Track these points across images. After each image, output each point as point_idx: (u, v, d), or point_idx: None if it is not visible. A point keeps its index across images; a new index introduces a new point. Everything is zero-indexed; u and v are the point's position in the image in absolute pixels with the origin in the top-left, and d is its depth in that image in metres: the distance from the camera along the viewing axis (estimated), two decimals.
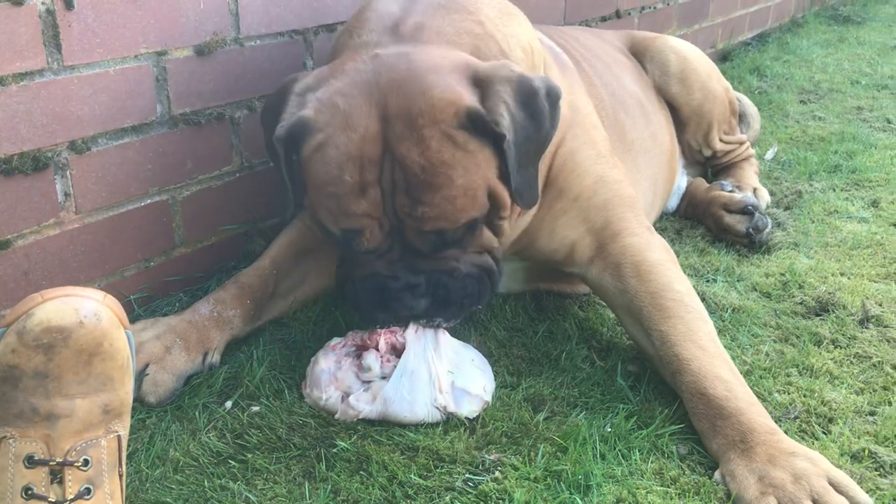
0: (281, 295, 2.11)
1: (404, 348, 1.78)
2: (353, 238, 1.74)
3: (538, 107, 1.75)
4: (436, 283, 1.78)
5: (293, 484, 1.59)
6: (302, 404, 1.81)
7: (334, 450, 1.66)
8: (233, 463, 1.64)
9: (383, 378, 1.76)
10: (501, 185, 1.76)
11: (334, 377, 1.78)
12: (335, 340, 1.88)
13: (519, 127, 1.72)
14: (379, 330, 1.82)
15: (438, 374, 1.74)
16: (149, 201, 2.10)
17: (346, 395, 1.75)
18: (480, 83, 1.72)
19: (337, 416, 1.75)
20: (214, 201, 2.25)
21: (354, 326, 2.07)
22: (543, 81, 1.78)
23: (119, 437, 1.33)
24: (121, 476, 1.33)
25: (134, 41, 1.96)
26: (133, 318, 2.04)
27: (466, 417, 1.73)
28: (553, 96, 1.79)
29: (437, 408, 1.72)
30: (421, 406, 1.72)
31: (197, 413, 1.79)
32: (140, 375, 1.81)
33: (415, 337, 1.80)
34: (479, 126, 1.68)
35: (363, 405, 1.73)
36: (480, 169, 1.71)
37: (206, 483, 1.59)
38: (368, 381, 1.77)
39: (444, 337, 1.83)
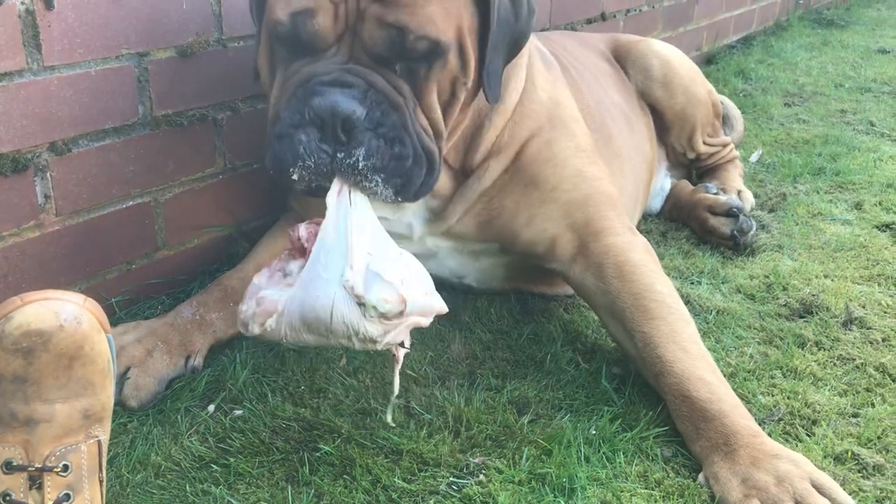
0: None
1: None
2: (301, 21, 1.58)
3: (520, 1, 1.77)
4: (375, 99, 1.59)
5: (276, 488, 1.57)
6: (285, 408, 1.80)
7: (318, 453, 1.65)
8: (215, 467, 1.63)
9: None
10: (470, 44, 1.69)
11: (258, 289, 1.56)
12: (275, 259, 1.64)
13: (503, 5, 1.71)
14: (300, 224, 1.61)
15: (353, 248, 1.51)
16: (130, 203, 2.08)
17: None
18: None
19: (248, 328, 1.54)
20: (197, 203, 2.23)
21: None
22: None
23: (99, 441, 1.31)
24: (101, 481, 1.31)
25: (115, 42, 1.94)
26: (115, 322, 2.02)
27: (375, 308, 1.47)
28: (531, 5, 1.81)
29: (345, 287, 1.47)
30: (333, 287, 1.48)
31: (179, 417, 1.78)
32: (121, 379, 1.79)
33: (336, 204, 1.57)
34: None
35: (271, 293, 1.51)
36: (457, 3, 1.65)
37: (187, 488, 1.57)
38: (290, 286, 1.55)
39: (371, 217, 1.61)
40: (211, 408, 1.81)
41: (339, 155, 1.58)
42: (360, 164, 1.58)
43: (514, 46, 1.82)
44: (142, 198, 2.10)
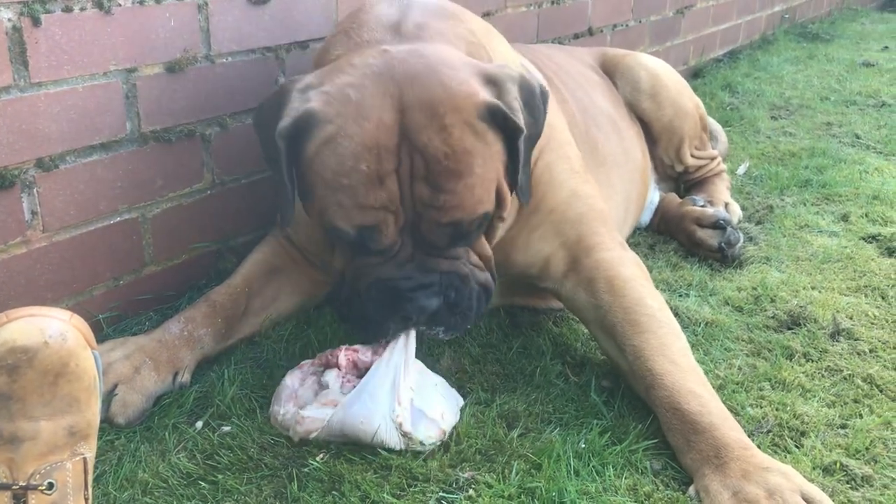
0: (253, 313, 2.09)
1: (366, 367, 1.75)
2: (368, 236, 1.70)
3: (536, 105, 1.82)
4: (447, 284, 1.77)
5: None
6: None
7: (306, 469, 1.64)
8: (203, 484, 1.62)
9: (343, 395, 1.72)
10: (505, 182, 1.78)
11: (295, 393, 1.76)
12: (306, 361, 1.86)
13: (525, 124, 1.76)
14: (341, 347, 1.80)
15: (400, 385, 1.70)
16: (118, 219, 2.07)
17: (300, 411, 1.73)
18: (491, 81, 1.75)
19: (289, 433, 1.71)
20: (185, 219, 2.23)
21: (328, 345, 2.06)
22: (537, 81, 1.86)
23: (85, 459, 1.30)
24: (87, 499, 1.30)
25: (103, 58, 1.94)
26: (102, 338, 2.01)
27: (421, 443, 1.68)
28: (544, 95, 1.87)
29: (394, 421, 1.66)
30: (378, 417, 1.66)
31: (167, 434, 1.76)
32: (108, 396, 1.78)
33: (392, 346, 1.77)
34: (498, 120, 1.71)
35: (314, 412, 1.69)
36: (495, 162, 1.73)
37: None
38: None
39: (412, 357, 1.80)
40: (199, 424, 1.80)
41: (422, 328, 1.81)
42: (440, 335, 1.84)
43: (537, 141, 1.89)
44: (129, 213, 2.09)
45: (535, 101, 1.82)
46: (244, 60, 2.27)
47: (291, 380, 1.79)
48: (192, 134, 2.19)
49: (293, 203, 1.77)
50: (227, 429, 1.78)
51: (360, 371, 1.77)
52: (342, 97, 1.68)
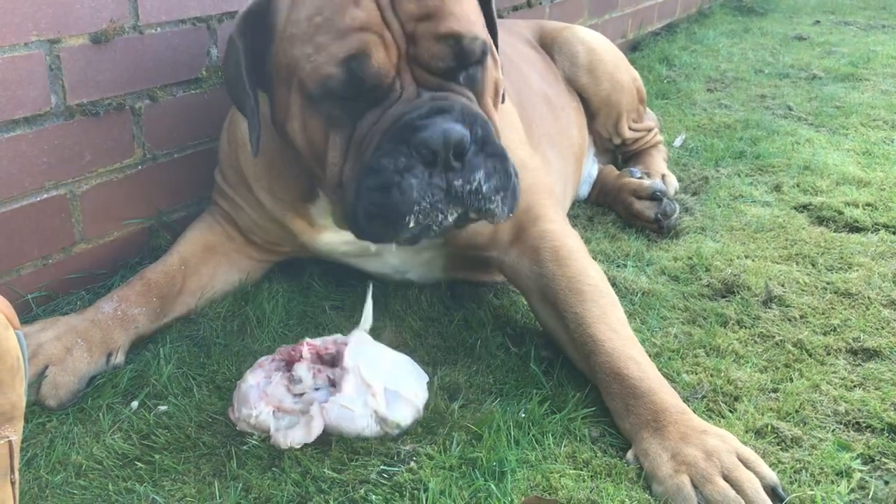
0: (189, 292, 2.05)
1: (331, 357, 1.73)
2: (357, 66, 1.53)
3: None
4: (469, 115, 1.56)
5: (203, 483, 1.54)
6: (212, 401, 1.76)
7: (245, 447, 1.62)
8: (139, 464, 1.59)
9: (316, 390, 1.69)
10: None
11: (264, 392, 1.68)
12: (263, 358, 1.77)
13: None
14: (301, 341, 1.74)
15: (368, 376, 1.66)
16: (45, 196, 2.01)
17: (277, 410, 1.66)
18: None
19: (272, 441, 1.64)
20: (116, 195, 2.17)
21: (266, 323, 2.03)
22: None
23: (10, 442, 1.26)
24: (13, 483, 1.26)
25: (24, 28, 1.86)
26: (32, 318, 1.96)
27: (398, 425, 1.66)
28: None
29: (371, 410, 1.64)
30: (359, 417, 1.63)
31: (101, 415, 1.73)
32: (39, 378, 1.73)
33: (351, 348, 1.72)
34: None
35: (298, 436, 1.63)
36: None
37: (110, 486, 1.53)
38: (300, 394, 1.69)
39: (376, 347, 1.78)
40: (134, 404, 1.76)
41: (456, 183, 1.54)
42: (483, 188, 1.57)
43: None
44: (57, 190, 2.03)
45: None
46: (174, 31, 2.21)
47: (255, 379, 1.71)
48: (121, 107, 2.12)
49: (256, 109, 1.68)
50: (163, 408, 1.75)
51: (325, 360, 1.73)
52: None
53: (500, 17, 3.64)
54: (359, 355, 1.70)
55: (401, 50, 1.57)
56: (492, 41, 1.76)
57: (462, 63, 1.63)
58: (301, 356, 1.73)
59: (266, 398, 1.67)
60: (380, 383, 1.66)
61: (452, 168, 1.55)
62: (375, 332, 2.02)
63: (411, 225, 1.57)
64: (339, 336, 1.79)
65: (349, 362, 1.68)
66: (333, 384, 1.69)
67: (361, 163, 1.59)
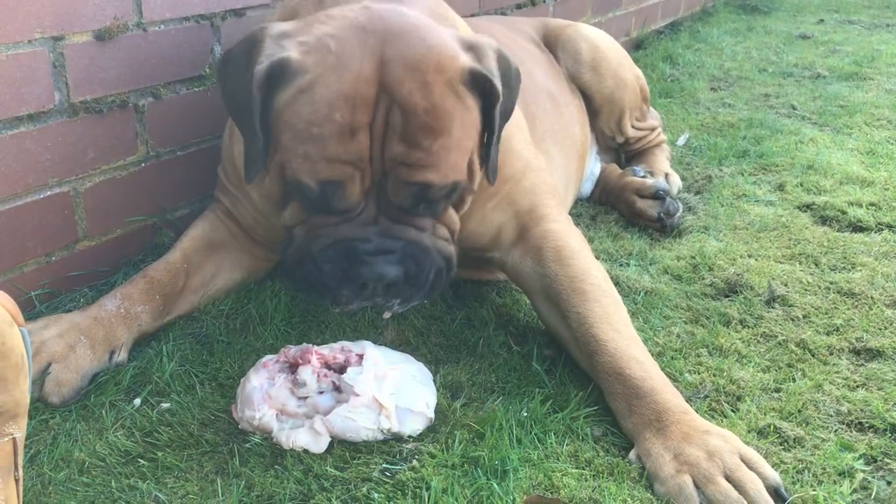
0: (192, 290, 2.05)
1: (339, 365, 1.71)
2: (332, 191, 1.63)
3: (511, 80, 1.81)
4: (409, 254, 1.70)
5: (205, 481, 1.55)
6: (215, 399, 1.77)
7: (248, 444, 1.63)
8: (142, 462, 1.59)
9: (320, 393, 1.68)
10: (477, 157, 1.76)
11: (267, 394, 1.67)
12: (266, 357, 1.76)
13: (502, 100, 1.74)
14: (311, 348, 1.73)
15: (381, 400, 1.64)
16: (48, 193, 2.01)
17: (280, 412, 1.66)
18: (472, 48, 1.72)
19: (274, 441, 1.63)
20: (119, 192, 2.17)
21: (269, 321, 2.03)
22: (513, 58, 1.84)
23: (14, 439, 1.26)
24: (17, 481, 1.27)
25: (27, 25, 1.87)
26: (35, 316, 1.96)
27: (409, 436, 1.65)
28: (517, 75, 1.85)
29: (382, 431, 1.64)
30: (363, 431, 1.63)
31: (104, 412, 1.73)
32: (42, 375, 1.73)
33: (356, 366, 1.71)
34: (478, 85, 1.69)
35: (305, 439, 1.62)
36: (472, 129, 1.71)
37: (113, 483, 1.53)
38: (304, 397, 1.68)
39: (385, 354, 1.76)
40: (137, 401, 1.77)
41: (377, 299, 1.73)
42: (396, 308, 1.77)
43: (508, 119, 1.86)
44: (60, 187, 2.03)
45: (510, 75, 1.80)
46: (178, 28, 2.21)
47: (258, 380, 1.69)
48: (125, 104, 2.12)
49: (265, 154, 1.69)
50: (166, 405, 1.75)
51: (332, 367, 1.72)
52: (321, 47, 1.62)
53: (504, 15, 3.64)
54: (369, 372, 1.69)
55: (374, 181, 1.66)
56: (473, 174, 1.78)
57: (424, 203, 1.71)
58: (308, 361, 1.72)
59: (269, 401, 1.66)
60: (392, 402, 1.65)
61: (379, 294, 1.72)
62: (377, 330, 2.02)
63: (330, 305, 1.78)
64: (345, 343, 1.77)
65: (362, 388, 1.65)
66: (338, 389, 1.68)
67: (307, 248, 1.72)
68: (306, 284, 1.76)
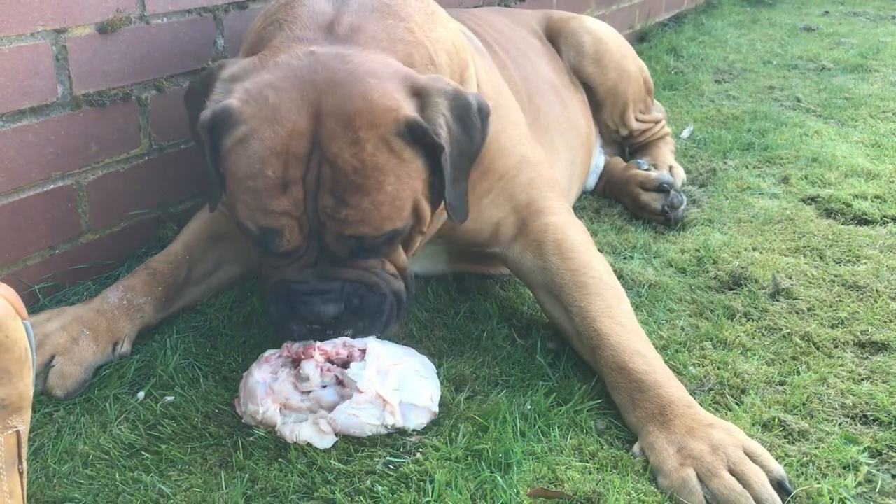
0: (194, 281, 2.05)
1: (342, 360, 1.71)
2: (271, 238, 1.67)
3: (471, 121, 1.75)
4: (351, 291, 1.73)
5: (209, 474, 1.55)
6: (219, 392, 1.77)
7: (251, 438, 1.63)
8: (146, 455, 1.59)
9: (324, 387, 1.67)
10: (426, 199, 1.74)
11: (270, 389, 1.66)
12: (269, 352, 1.76)
13: (454, 140, 1.71)
14: (314, 343, 1.72)
15: (385, 397, 1.65)
16: (52, 186, 2.01)
17: (283, 407, 1.66)
18: (419, 94, 1.68)
19: (278, 434, 1.64)
20: (122, 185, 2.17)
21: (275, 323, 2.03)
22: (475, 97, 1.78)
23: (18, 432, 1.26)
24: (21, 473, 1.27)
25: (30, 18, 1.86)
26: (38, 309, 1.96)
27: (414, 430, 1.66)
28: (484, 112, 1.79)
29: (386, 427, 1.64)
30: (367, 427, 1.64)
31: (107, 405, 1.73)
32: (46, 368, 1.74)
33: (359, 361, 1.71)
34: (417, 136, 1.65)
35: (308, 433, 1.63)
36: (411, 179, 1.68)
37: (117, 476, 1.53)
38: (307, 392, 1.67)
39: (388, 348, 1.75)
40: (141, 394, 1.77)
41: (327, 332, 1.74)
42: (349, 340, 1.75)
43: (472, 163, 1.82)
44: (63, 181, 2.03)
45: (469, 117, 1.74)
46: (181, 21, 2.20)
47: (261, 375, 1.69)
48: (128, 97, 2.12)
49: (219, 188, 1.74)
50: (170, 398, 1.75)
51: (335, 361, 1.71)
52: (260, 98, 1.63)
53: (507, 6, 3.63)
54: (372, 367, 1.68)
55: (313, 227, 1.67)
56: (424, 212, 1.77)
57: (363, 252, 1.71)
58: (312, 356, 1.71)
59: (273, 395, 1.66)
60: (396, 398, 1.65)
61: (327, 329, 1.75)
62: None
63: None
64: (347, 338, 1.77)
65: (366, 384, 1.65)
66: (341, 383, 1.68)
67: (262, 283, 1.78)
68: (267, 316, 1.82)
